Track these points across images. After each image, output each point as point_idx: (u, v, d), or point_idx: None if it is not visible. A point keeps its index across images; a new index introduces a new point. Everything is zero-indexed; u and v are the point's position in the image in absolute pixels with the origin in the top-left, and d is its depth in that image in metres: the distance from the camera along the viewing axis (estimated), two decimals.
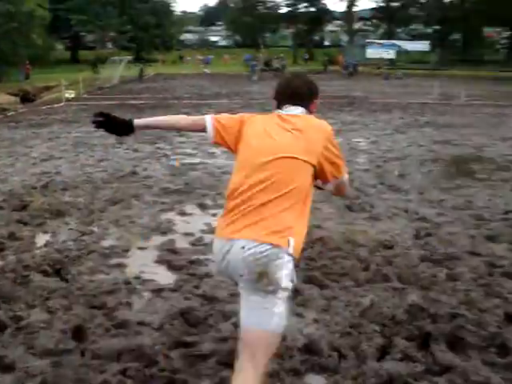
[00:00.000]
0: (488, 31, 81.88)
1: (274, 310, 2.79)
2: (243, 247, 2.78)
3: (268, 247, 2.76)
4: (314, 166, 2.97)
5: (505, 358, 3.98)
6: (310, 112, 3.27)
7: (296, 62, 70.11)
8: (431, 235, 6.74)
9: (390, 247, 6.24)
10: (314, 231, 6.71)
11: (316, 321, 4.52)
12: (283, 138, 2.98)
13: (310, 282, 5.21)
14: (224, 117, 3.26)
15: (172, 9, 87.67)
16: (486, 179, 10.16)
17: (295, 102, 3.20)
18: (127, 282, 5.31)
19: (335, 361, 3.91)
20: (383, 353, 4.06)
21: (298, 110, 3.18)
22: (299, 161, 2.92)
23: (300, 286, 5.04)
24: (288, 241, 2.82)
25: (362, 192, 8.97)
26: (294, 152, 2.92)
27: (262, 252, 2.75)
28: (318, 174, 3.05)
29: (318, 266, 5.58)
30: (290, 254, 2.84)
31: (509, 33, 78.05)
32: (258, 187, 2.86)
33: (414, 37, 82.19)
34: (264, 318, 2.80)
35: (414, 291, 5.01)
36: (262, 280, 2.76)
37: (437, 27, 76.72)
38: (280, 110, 3.20)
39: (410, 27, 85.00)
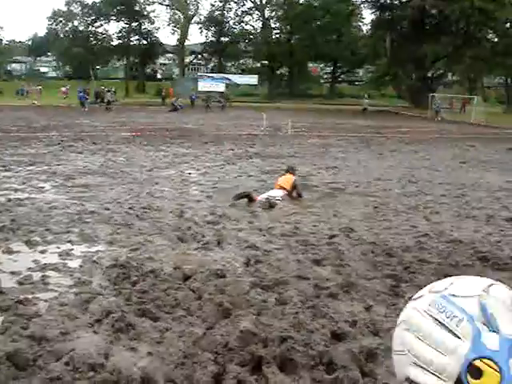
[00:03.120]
0: (312, 66, 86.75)
1: None
2: None
3: None
4: None
5: (332, 374, 4.20)
6: None
7: (127, 95, 69.51)
8: (261, 262, 6.97)
9: (222, 276, 6.37)
10: (146, 264, 6.71)
11: (150, 353, 4.50)
12: None
13: (142, 315, 5.19)
14: None
15: None
16: (311, 206, 10.72)
17: None
18: None
19: None
20: (217, 380, 4.13)
21: None
22: None
23: (132, 320, 5.01)
24: None
25: (194, 222, 9.10)
26: None
27: None
28: None
29: (151, 299, 5.57)
30: None
31: (331, 68, 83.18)
32: None
33: (244, 71, 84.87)
34: None
35: (246, 317, 5.13)
36: None
37: (265, 62, 79.70)
38: None
39: (240, 61, 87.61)
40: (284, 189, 11.40)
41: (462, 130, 33.94)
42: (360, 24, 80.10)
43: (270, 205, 10.44)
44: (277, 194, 11.13)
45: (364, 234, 8.58)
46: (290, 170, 12.05)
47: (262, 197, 10.90)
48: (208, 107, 46.60)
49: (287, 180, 11.62)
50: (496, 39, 60.01)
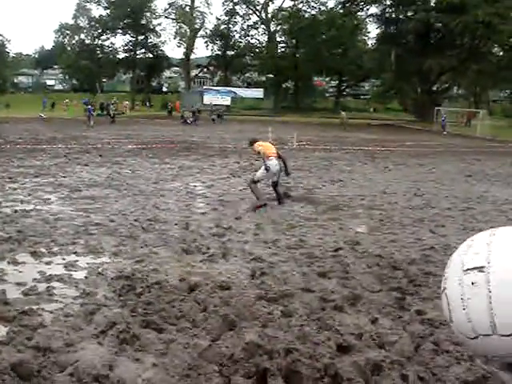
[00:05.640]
0: (318, 80, 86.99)
1: None
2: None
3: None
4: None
5: None
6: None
7: (134, 108, 69.72)
8: (266, 274, 6.96)
9: (227, 288, 6.35)
10: (151, 275, 6.71)
11: (155, 365, 4.48)
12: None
13: (147, 327, 5.17)
14: None
15: (6, 50, 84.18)
16: (316, 219, 10.71)
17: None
18: None
19: None
20: None
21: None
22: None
23: (137, 331, 4.99)
24: None
25: (199, 234, 9.11)
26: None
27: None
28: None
29: (156, 310, 5.56)
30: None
31: (336, 82, 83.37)
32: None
33: (249, 84, 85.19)
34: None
35: (251, 329, 5.12)
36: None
37: (270, 75, 79.98)
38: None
39: (246, 75, 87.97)
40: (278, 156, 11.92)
41: (468, 143, 33.96)
42: (365, 38, 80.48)
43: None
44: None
45: (369, 247, 8.56)
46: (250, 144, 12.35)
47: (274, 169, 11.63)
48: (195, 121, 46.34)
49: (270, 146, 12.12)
50: (501, 53, 60.14)
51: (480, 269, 1.31)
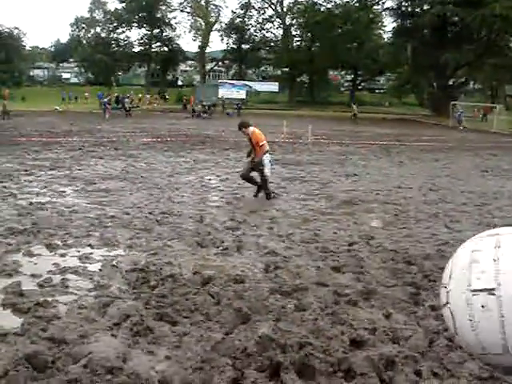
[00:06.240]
0: (332, 74, 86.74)
1: None
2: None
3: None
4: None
5: (350, 382, 4.16)
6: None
7: (152, 103, 69.83)
8: (280, 268, 6.94)
9: (241, 281, 6.35)
10: (165, 268, 6.72)
11: (168, 357, 4.49)
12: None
13: (161, 320, 5.18)
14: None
15: (22, 43, 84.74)
16: (331, 213, 10.67)
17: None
18: None
19: None
20: None
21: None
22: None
23: (151, 324, 5.01)
24: None
25: (213, 228, 9.11)
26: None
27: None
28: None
29: (170, 303, 5.57)
30: None
31: (351, 76, 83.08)
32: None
33: (264, 78, 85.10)
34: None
35: (265, 323, 5.11)
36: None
37: (286, 69, 79.85)
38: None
39: (261, 69, 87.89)
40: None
41: (484, 138, 33.72)
42: (381, 32, 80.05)
43: None
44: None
45: (384, 242, 8.51)
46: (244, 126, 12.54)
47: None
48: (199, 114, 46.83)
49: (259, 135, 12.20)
50: None
51: (490, 291, 1.29)
